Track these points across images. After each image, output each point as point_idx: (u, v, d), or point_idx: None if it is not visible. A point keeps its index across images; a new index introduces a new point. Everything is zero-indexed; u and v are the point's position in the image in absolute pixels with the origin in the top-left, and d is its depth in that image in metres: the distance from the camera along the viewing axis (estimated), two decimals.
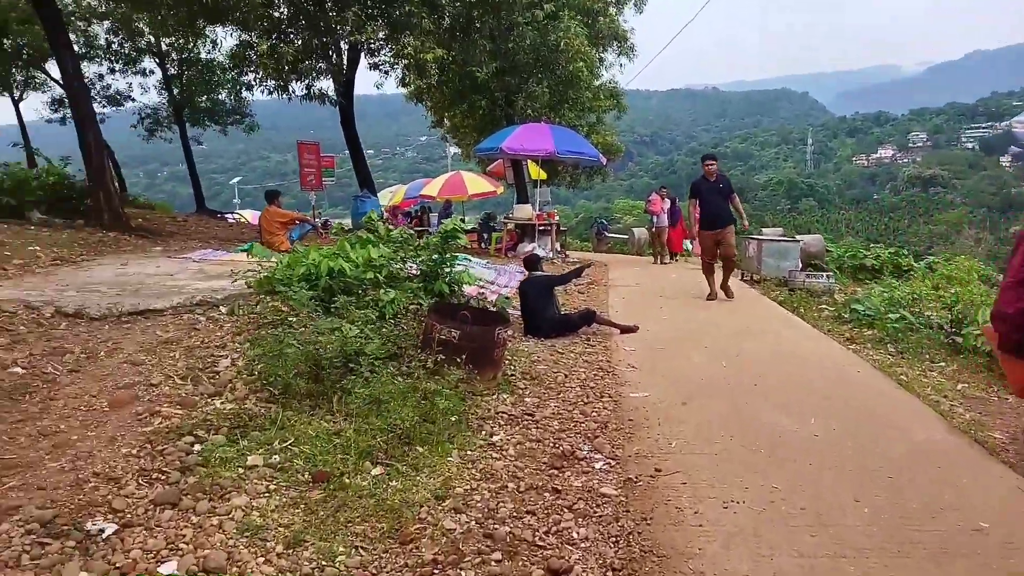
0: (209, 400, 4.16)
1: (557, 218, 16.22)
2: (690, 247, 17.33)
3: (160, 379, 4.34)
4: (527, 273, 7.73)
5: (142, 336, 4.98)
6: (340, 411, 4.14)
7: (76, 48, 21.27)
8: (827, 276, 11.80)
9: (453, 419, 4.30)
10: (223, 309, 5.62)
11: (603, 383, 5.55)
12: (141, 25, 21.15)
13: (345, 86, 16.48)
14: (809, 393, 5.30)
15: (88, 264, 7.75)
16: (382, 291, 5.72)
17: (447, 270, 7.11)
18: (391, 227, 15.71)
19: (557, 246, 17.64)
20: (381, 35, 12.66)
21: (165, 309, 5.47)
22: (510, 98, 16.62)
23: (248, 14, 11.61)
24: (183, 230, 14.22)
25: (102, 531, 2.78)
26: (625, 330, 7.32)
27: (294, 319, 5.37)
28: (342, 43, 15.06)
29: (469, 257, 12.92)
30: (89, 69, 22.15)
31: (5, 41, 19.47)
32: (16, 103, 23.62)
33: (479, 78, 15.20)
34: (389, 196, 29.29)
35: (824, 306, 10.18)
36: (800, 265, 13.72)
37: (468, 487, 3.58)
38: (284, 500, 3.26)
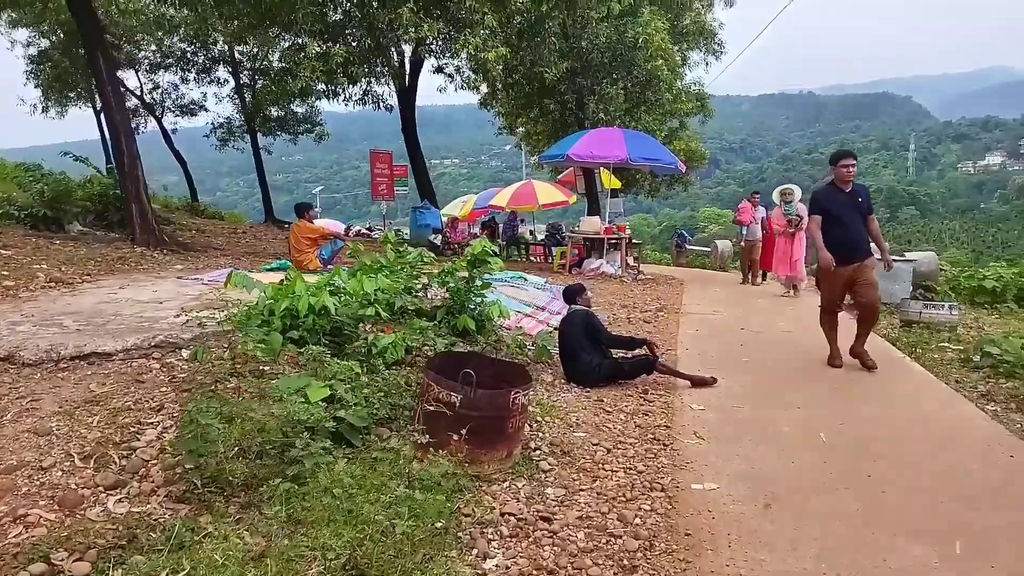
0: (104, 495, 3.09)
1: (628, 231, 14.79)
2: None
3: (58, 458, 3.31)
4: (567, 307, 6.39)
5: (72, 390, 4.00)
6: (274, 518, 2.99)
7: (153, 58, 21.55)
8: (950, 307, 9.93)
9: (438, 525, 3.09)
10: (185, 353, 4.60)
11: (656, 464, 4.20)
12: (216, 33, 21.04)
13: (405, 92, 15.63)
14: (949, 498, 3.76)
15: (84, 287, 6.97)
16: (373, 335, 4.57)
17: (475, 301, 5.92)
18: (449, 240, 14.76)
19: (630, 260, 16.24)
20: (439, 33, 11.61)
21: (115, 352, 4.48)
22: (582, 101, 15.32)
23: (297, 14, 10.82)
24: (231, 243, 13.62)
25: None
26: (698, 383, 5.86)
27: (267, 370, 4.31)
28: (403, 44, 14.17)
29: (524, 276, 11.71)
30: (163, 78, 22.29)
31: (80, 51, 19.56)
32: (98, 115, 23.96)
33: (547, 79, 13.98)
34: (460, 206, 28.51)
35: (946, 344, 8.42)
36: (911, 289, 11.87)
37: None
38: None
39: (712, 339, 7.78)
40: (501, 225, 19.95)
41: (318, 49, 10.85)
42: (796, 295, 11.94)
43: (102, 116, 23.82)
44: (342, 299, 4.79)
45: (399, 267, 5.90)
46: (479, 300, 5.95)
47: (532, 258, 19.86)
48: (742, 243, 14.05)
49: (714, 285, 13.85)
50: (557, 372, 5.96)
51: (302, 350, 4.20)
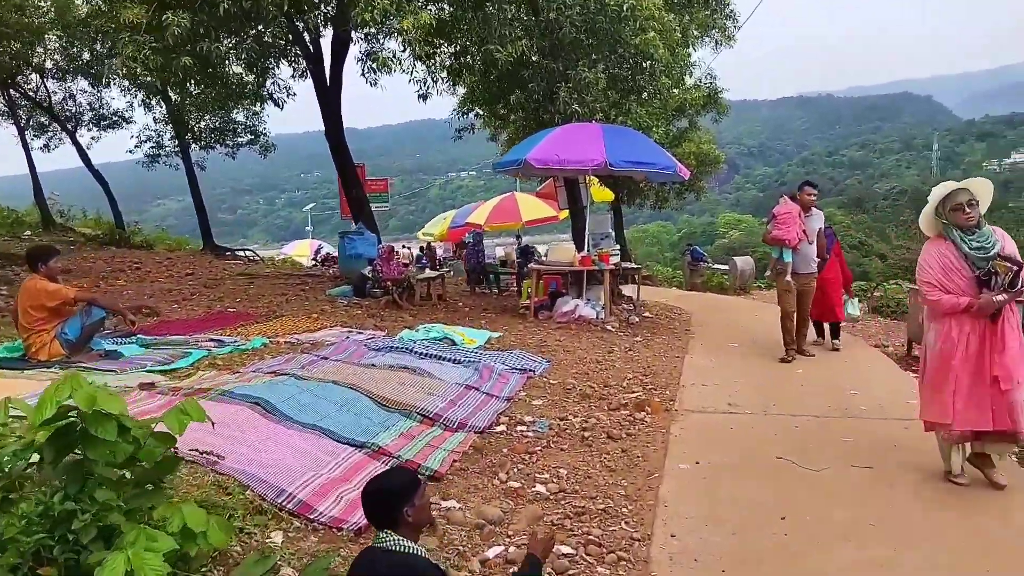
0: None
1: (615, 259, 11.16)
2: (856, 310, 9.57)
3: None
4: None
5: None
6: None
7: (59, 61, 18.21)
8: None
9: None
10: None
11: None
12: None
13: (323, 83, 12.18)
14: None
15: None
16: None
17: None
18: (380, 275, 11.20)
19: (628, 290, 12.65)
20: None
21: None
22: (552, 90, 11.76)
23: None
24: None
25: None
26: None
27: None
28: (315, 17, 10.68)
29: (453, 335, 8.12)
30: (77, 86, 18.95)
31: None
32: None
33: (499, 61, 10.43)
34: (440, 223, 25.09)
35: None
36: None
37: None
38: None
39: (726, 493, 4.12)
40: (468, 247, 16.42)
41: (137, 10, 7.30)
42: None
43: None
44: None
45: None
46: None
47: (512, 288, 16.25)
48: (786, 278, 7.65)
49: (734, 331, 10.13)
50: None
51: None
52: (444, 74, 11.76)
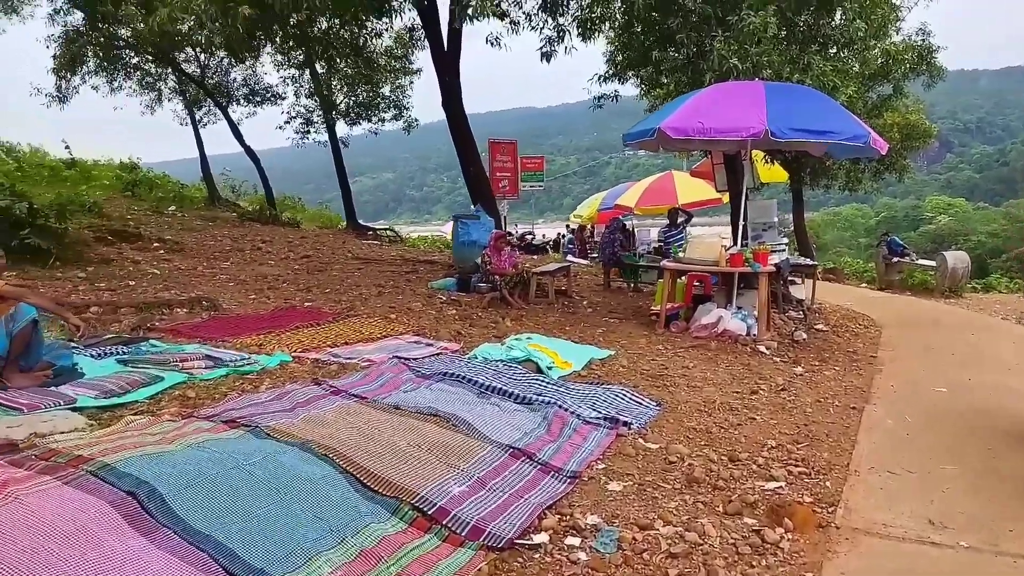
0: None
1: (777, 257, 8.75)
2: None
3: None
4: None
5: None
6: None
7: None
8: None
9: None
10: None
11: None
12: None
13: (440, 48, 10.69)
14: None
15: None
16: None
17: None
18: (489, 267, 9.56)
19: (800, 297, 10.23)
20: None
21: None
22: (705, 41, 9.41)
23: None
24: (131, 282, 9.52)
25: None
26: None
27: None
28: None
29: (537, 356, 6.27)
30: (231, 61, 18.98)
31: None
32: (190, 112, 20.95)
33: (636, 5, 8.31)
34: (591, 204, 23.15)
35: None
36: None
37: None
38: None
39: None
40: (603, 235, 14.36)
41: None
42: None
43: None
44: None
45: None
46: None
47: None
48: None
49: (942, 363, 7.44)
50: None
51: None
52: (575, 28, 9.79)
